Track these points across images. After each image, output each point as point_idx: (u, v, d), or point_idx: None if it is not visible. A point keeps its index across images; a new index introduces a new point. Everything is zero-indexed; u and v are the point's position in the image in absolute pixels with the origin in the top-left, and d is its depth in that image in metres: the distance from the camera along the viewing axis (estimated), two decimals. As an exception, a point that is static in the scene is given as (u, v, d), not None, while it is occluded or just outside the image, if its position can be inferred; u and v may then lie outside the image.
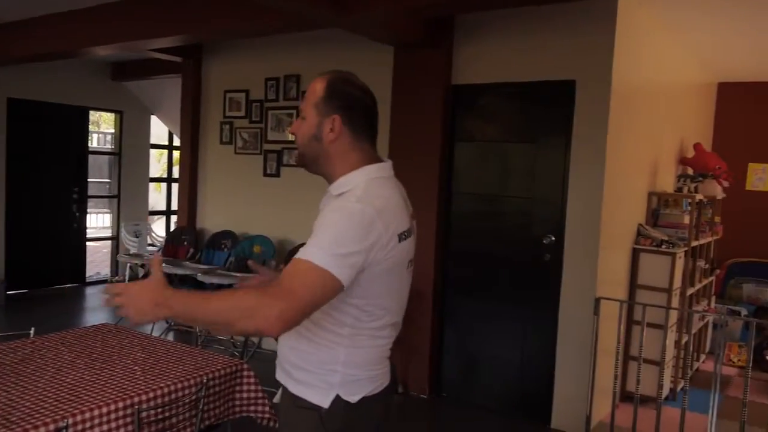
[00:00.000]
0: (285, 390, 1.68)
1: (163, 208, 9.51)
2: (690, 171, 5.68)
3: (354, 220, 1.49)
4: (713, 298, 6.13)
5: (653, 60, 4.80)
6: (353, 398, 1.61)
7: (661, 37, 4.88)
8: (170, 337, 5.73)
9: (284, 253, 5.22)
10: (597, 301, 4.00)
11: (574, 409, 4.09)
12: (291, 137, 1.69)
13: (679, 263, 4.59)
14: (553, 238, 4.17)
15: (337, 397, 1.59)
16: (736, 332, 6.06)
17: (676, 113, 5.60)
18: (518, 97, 4.33)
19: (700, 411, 4.17)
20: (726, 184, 5.56)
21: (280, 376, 1.70)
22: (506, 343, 4.38)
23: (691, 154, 5.74)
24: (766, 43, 5.28)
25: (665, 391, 4.57)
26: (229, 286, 4.90)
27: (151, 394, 2.20)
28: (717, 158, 5.58)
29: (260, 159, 5.54)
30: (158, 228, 9.87)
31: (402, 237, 1.58)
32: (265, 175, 5.51)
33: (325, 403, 1.59)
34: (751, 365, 3.78)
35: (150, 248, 8.57)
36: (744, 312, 6.28)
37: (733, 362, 5.72)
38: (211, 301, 1.46)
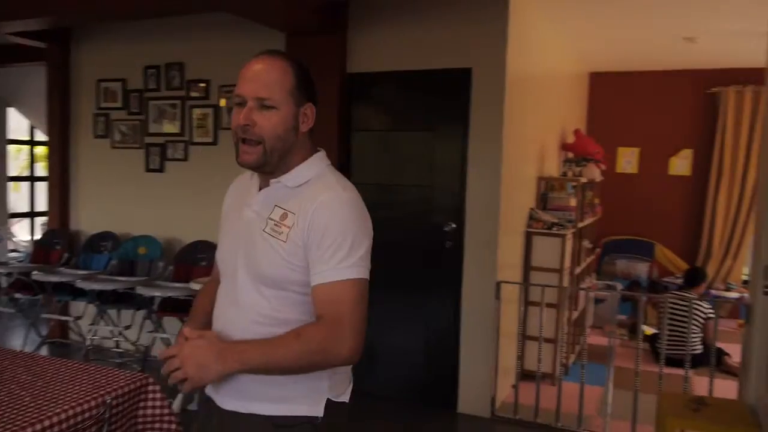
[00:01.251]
0: (248, 418, 1.48)
1: (26, 209, 8.68)
2: (570, 155, 5.96)
3: (356, 212, 1.47)
4: (593, 275, 6.50)
5: (540, 50, 4.97)
6: (343, 397, 1.53)
7: (544, 28, 5.05)
8: (44, 351, 5.23)
9: (173, 254, 4.90)
10: (498, 285, 4.09)
11: (479, 393, 4.17)
12: (241, 131, 1.46)
13: (569, 244, 4.80)
14: (454, 225, 4.20)
15: (329, 402, 1.49)
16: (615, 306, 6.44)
17: (557, 101, 5.85)
18: (415, 85, 4.31)
19: (594, 383, 4.38)
20: (603, 167, 5.89)
21: (234, 404, 1.50)
22: (410, 332, 4.37)
23: (571, 139, 6.02)
24: (632, 36, 5.64)
25: (560, 367, 4.77)
26: (114, 292, 4.54)
27: (47, 422, 1.94)
28: (595, 143, 5.89)
29: (141, 153, 5.16)
30: (21, 232, 9.00)
31: None
32: (148, 170, 5.14)
33: (318, 411, 1.47)
34: (641, 336, 4.02)
35: (13, 254, 7.80)
36: (620, 286, 6.72)
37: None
38: (280, 348, 1.37)
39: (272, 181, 1.52)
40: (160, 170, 5.09)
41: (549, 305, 4.46)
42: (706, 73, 6.91)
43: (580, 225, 5.14)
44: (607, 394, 3.90)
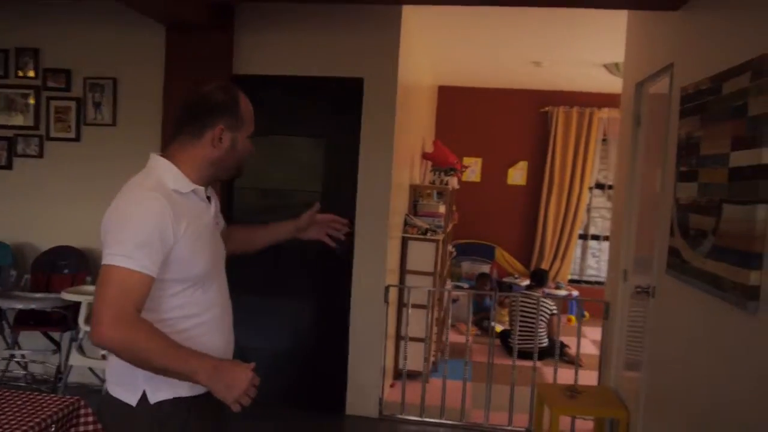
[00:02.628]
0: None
1: None
2: (429, 164, 6.30)
3: None
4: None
5: (415, 62, 5.21)
6: (179, 392, 1.61)
7: (414, 41, 5.30)
8: None
9: (27, 260, 4.39)
10: (387, 288, 4.23)
11: (367, 394, 4.27)
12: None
13: (440, 248, 5.09)
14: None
15: (168, 397, 1.61)
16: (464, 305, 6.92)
17: (420, 112, 6.16)
18: (307, 91, 4.31)
19: (458, 378, 4.66)
20: (460, 176, 6.30)
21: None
22: (300, 338, 4.36)
23: (430, 149, 6.36)
24: (487, 57, 6.13)
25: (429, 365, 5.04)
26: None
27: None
28: (452, 153, 6.29)
29: (-19, 147, 4.55)
30: None
31: None
32: (-9, 166, 4.55)
33: (131, 400, 1.60)
34: (493, 333, 4.39)
35: None
36: (465, 286, 7.23)
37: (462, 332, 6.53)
38: None
39: (203, 187, 1.71)
40: (8, 167, 4.53)
41: (421, 306, 4.71)
42: (541, 93, 7.68)
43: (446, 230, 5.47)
44: (489, 388, 4.21)
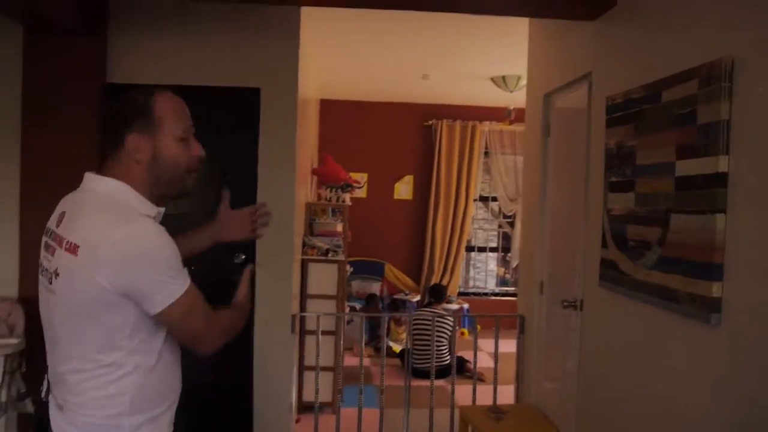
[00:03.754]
0: None
1: None
2: (316, 180, 6.02)
3: None
4: (340, 298, 6.63)
5: (306, 73, 4.91)
6: None
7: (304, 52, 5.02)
8: None
9: None
10: (293, 317, 3.88)
11: (275, 429, 3.89)
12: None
13: (342, 269, 4.81)
14: (243, 257, 3.87)
15: None
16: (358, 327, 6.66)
17: (311, 126, 5.86)
18: (196, 103, 3.81)
19: (367, 405, 4.40)
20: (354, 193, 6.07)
21: None
22: (200, 374, 3.87)
23: (316, 164, 6.08)
24: (375, 69, 5.99)
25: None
26: None
27: None
28: (343, 169, 6.05)
29: None
30: None
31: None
32: None
33: None
34: (384, 352, 4.19)
35: None
36: (358, 305, 7.00)
37: (366, 354, 6.29)
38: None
39: (163, 209, 1.59)
40: None
41: (327, 333, 4.41)
42: (425, 107, 7.66)
43: (344, 249, 5.20)
44: (407, 415, 3.98)
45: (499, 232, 8.32)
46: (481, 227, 8.36)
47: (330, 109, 7.56)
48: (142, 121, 1.49)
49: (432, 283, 7.55)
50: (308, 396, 4.39)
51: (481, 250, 8.38)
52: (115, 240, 1.37)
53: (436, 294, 6.16)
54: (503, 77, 5.94)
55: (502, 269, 8.53)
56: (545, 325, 3.71)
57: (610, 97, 2.81)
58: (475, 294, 8.09)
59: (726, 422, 1.99)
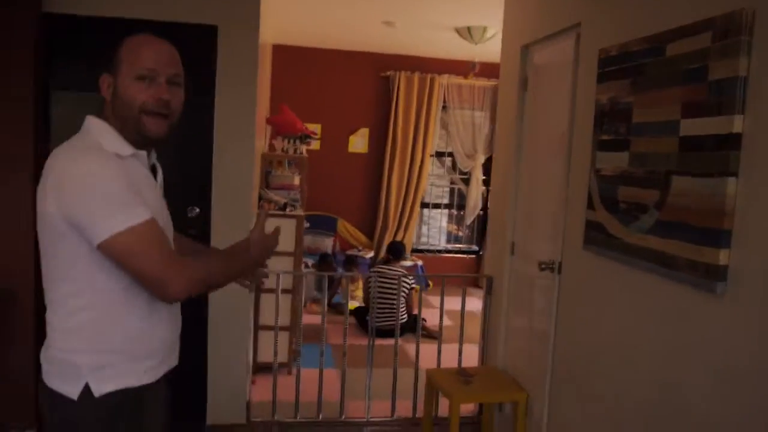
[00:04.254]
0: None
1: None
2: (270, 130, 5.70)
3: None
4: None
5: (265, 13, 4.56)
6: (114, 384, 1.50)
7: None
8: None
9: None
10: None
11: (233, 397, 3.70)
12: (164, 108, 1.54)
13: (300, 225, 4.58)
14: (198, 210, 3.59)
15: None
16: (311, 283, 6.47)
17: (265, 72, 5.51)
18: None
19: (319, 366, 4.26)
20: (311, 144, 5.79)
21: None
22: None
23: (270, 113, 5.76)
24: (334, 13, 5.64)
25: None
26: None
27: None
28: (299, 120, 5.74)
29: None
30: None
31: None
32: None
33: (72, 393, 1.46)
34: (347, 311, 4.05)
35: None
36: (311, 261, 6.79)
37: (317, 311, 6.12)
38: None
39: (145, 152, 1.57)
40: None
41: (285, 291, 4.21)
42: (382, 57, 7.36)
43: (302, 204, 4.96)
44: (369, 377, 3.84)
45: (450, 189, 8.21)
46: (434, 183, 8.22)
47: (282, 55, 7.17)
48: (111, 61, 1.54)
49: (389, 239, 7.41)
50: (263, 356, 4.20)
51: (435, 206, 8.26)
52: (62, 167, 1.40)
53: (396, 252, 6.01)
54: (468, 28, 5.72)
55: (454, 226, 8.46)
56: (515, 287, 3.60)
57: (604, 50, 2.64)
58: (428, 251, 8.00)
59: (729, 402, 1.91)
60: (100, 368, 1.46)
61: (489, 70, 7.20)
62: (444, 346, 3.98)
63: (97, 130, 1.49)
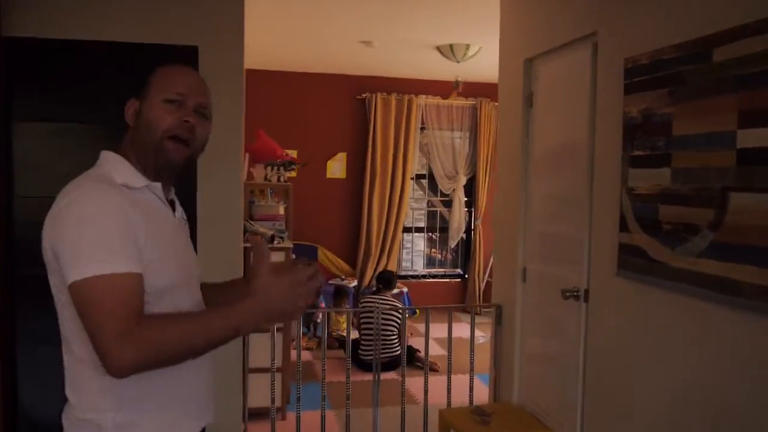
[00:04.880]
0: None
1: None
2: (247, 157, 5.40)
3: None
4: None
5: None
6: None
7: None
8: None
9: None
10: (244, 317, 3.33)
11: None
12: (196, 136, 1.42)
13: (288, 257, 4.28)
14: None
15: None
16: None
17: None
18: (117, 64, 3.18)
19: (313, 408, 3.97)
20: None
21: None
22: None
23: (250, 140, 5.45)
24: (311, 36, 5.42)
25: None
26: None
27: None
28: (279, 146, 5.46)
29: None
30: None
31: None
32: None
33: None
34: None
35: None
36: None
37: (303, 347, 5.79)
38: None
39: (159, 184, 1.42)
40: None
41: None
42: (357, 79, 7.14)
43: (287, 235, 4.66)
44: (377, 418, 3.54)
45: (429, 212, 7.97)
46: (412, 207, 7.97)
47: (255, 79, 6.87)
48: (141, 86, 1.44)
49: (373, 267, 7.14)
50: (252, 402, 3.85)
51: (418, 230, 8.02)
52: (62, 201, 1.30)
53: (386, 281, 5.73)
54: (451, 46, 5.54)
55: (436, 250, 8.22)
56: (530, 316, 3.36)
57: (631, 59, 2.44)
58: (412, 276, 7.73)
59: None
60: (126, 426, 1.32)
61: (468, 89, 7.06)
62: (440, 378, 3.69)
63: (110, 163, 1.39)
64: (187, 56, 3.20)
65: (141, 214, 1.30)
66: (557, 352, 3.08)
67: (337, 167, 7.28)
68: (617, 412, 2.58)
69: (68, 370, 1.37)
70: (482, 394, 3.96)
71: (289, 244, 4.26)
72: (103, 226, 1.24)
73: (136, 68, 3.14)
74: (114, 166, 1.38)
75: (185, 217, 1.57)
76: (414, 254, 8.16)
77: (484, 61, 5.99)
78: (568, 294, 2.86)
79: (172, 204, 1.48)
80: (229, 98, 3.30)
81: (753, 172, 1.88)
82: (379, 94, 7.12)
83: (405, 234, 7.84)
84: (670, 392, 2.26)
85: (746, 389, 1.92)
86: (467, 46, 5.52)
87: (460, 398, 3.80)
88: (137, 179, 1.38)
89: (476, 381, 3.81)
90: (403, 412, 3.53)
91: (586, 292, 2.79)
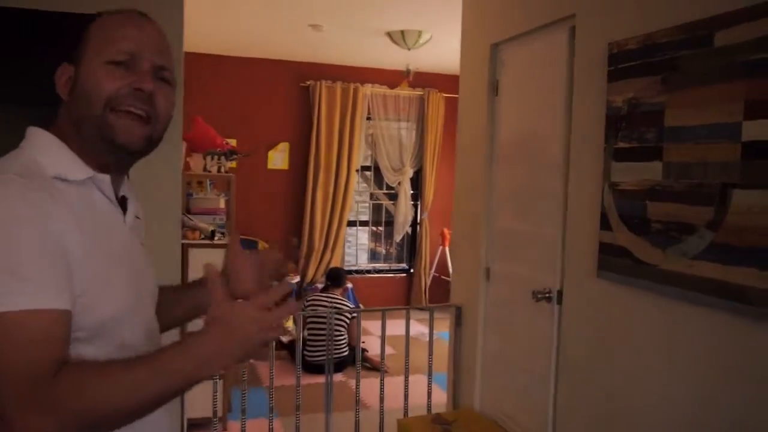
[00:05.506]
0: None
1: None
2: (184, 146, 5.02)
3: None
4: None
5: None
6: None
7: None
8: None
9: None
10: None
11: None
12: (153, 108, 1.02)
13: (230, 255, 3.95)
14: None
15: None
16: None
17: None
18: (39, 33, 2.79)
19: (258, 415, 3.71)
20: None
21: None
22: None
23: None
24: (257, 18, 5.07)
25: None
26: None
27: None
28: (217, 134, 5.09)
29: None
30: None
31: None
32: None
33: None
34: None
35: None
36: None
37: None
38: None
39: (108, 177, 1.06)
40: None
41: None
42: (300, 66, 6.81)
43: (229, 229, 4.32)
44: (330, 425, 3.27)
45: (372, 204, 7.73)
46: (355, 200, 7.71)
47: (191, 63, 6.44)
48: (75, 47, 1.07)
49: (316, 262, 6.86)
50: (190, 412, 3.53)
51: (363, 224, 7.76)
52: None
53: (336, 278, 5.43)
54: (402, 32, 5.30)
55: (380, 244, 7.99)
56: (494, 318, 3.17)
57: (616, 43, 2.26)
58: (356, 272, 7.48)
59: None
60: None
61: (416, 79, 6.84)
62: (390, 379, 3.47)
63: (39, 145, 1.02)
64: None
65: (78, 222, 0.95)
66: (525, 356, 2.90)
67: (278, 158, 6.93)
68: (593, 423, 2.41)
69: None
70: (438, 397, 3.76)
71: (227, 239, 3.93)
72: (13, 241, 0.88)
73: (59, 43, 2.77)
74: (43, 149, 1.02)
75: (140, 215, 1.22)
76: (357, 249, 7.90)
77: (434, 50, 5.79)
78: (539, 296, 2.68)
79: (122, 203, 1.13)
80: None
81: (760, 168, 1.73)
82: (323, 82, 6.81)
83: (348, 228, 7.58)
84: (655, 404, 2.10)
85: (748, 402, 1.77)
86: (419, 33, 5.29)
87: (414, 401, 3.59)
88: (77, 169, 1.02)
89: (422, 378, 3.60)
90: (357, 422, 3.28)
91: (560, 293, 2.61)
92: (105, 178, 1.05)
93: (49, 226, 0.90)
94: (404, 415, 3.26)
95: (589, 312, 2.44)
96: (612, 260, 2.27)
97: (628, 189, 2.20)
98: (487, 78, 3.19)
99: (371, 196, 7.66)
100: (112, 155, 1.05)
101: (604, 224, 2.31)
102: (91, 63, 1.02)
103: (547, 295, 2.67)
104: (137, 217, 1.18)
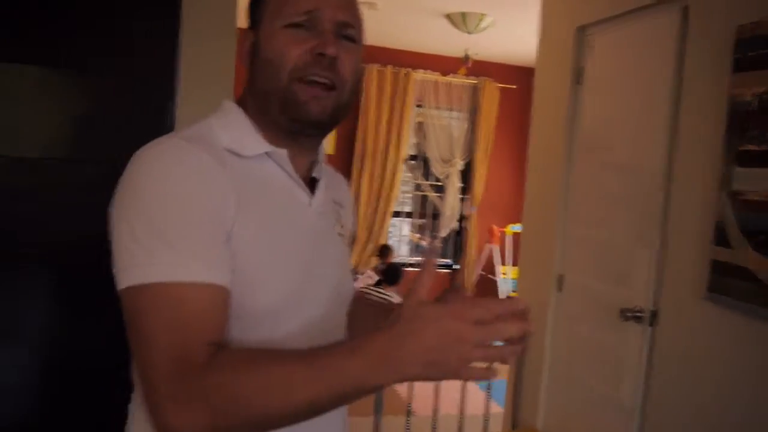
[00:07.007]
0: None
1: None
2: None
3: None
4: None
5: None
6: None
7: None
8: None
9: None
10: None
11: None
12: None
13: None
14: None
15: None
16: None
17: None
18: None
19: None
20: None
21: None
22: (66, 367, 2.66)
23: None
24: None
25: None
26: None
27: None
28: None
29: None
30: None
31: None
32: None
33: None
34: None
35: None
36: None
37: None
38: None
39: (285, 151, 0.95)
40: None
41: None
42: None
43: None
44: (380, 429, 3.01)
45: (415, 196, 7.43)
46: (401, 190, 7.42)
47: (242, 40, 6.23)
48: (252, 11, 0.97)
49: (359, 253, 6.62)
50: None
51: (408, 215, 7.48)
52: (130, 164, 0.84)
53: (393, 276, 5.08)
54: (463, 14, 4.97)
55: (418, 236, 7.70)
56: (565, 333, 2.86)
57: (748, 27, 1.91)
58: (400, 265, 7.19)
59: None
60: None
61: (472, 66, 6.50)
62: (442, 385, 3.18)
63: (222, 117, 0.94)
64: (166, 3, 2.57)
65: (247, 197, 0.86)
66: (603, 379, 2.59)
67: (324, 142, 6.66)
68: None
69: (129, 413, 0.94)
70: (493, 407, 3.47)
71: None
72: (174, 206, 0.80)
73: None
74: (225, 123, 0.93)
75: (344, 203, 1.11)
76: (398, 240, 7.63)
77: (494, 37, 5.44)
78: (629, 314, 2.35)
79: (311, 185, 1.00)
80: (218, 62, 2.66)
81: None
82: (374, 65, 6.52)
83: (396, 219, 7.31)
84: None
85: None
86: (481, 16, 4.96)
87: (468, 411, 3.30)
88: (251, 143, 0.92)
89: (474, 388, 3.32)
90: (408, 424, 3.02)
91: (653, 313, 2.29)
92: (282, 154, 0.95)
93: (217, 196, 0.82)
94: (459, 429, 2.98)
95: (691, 338, 2.12)
96: (728, 282, 1.94)
97: (755, 200, 1.87)
98: (570, 65, 2.85)
99: (417, 186, 7.36)
100: (298, 129, 0.94)
101: (720, 239, 1.97)
102: (269, 27, 0.93)
103: (638, 314, 2.34)
104: (337, 203, 1.08)
